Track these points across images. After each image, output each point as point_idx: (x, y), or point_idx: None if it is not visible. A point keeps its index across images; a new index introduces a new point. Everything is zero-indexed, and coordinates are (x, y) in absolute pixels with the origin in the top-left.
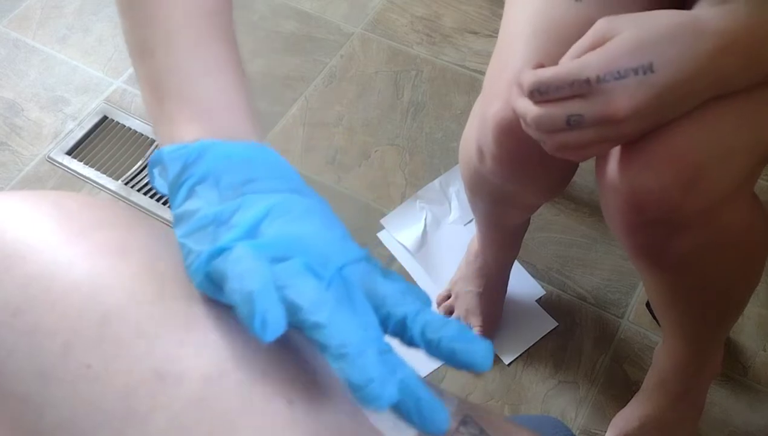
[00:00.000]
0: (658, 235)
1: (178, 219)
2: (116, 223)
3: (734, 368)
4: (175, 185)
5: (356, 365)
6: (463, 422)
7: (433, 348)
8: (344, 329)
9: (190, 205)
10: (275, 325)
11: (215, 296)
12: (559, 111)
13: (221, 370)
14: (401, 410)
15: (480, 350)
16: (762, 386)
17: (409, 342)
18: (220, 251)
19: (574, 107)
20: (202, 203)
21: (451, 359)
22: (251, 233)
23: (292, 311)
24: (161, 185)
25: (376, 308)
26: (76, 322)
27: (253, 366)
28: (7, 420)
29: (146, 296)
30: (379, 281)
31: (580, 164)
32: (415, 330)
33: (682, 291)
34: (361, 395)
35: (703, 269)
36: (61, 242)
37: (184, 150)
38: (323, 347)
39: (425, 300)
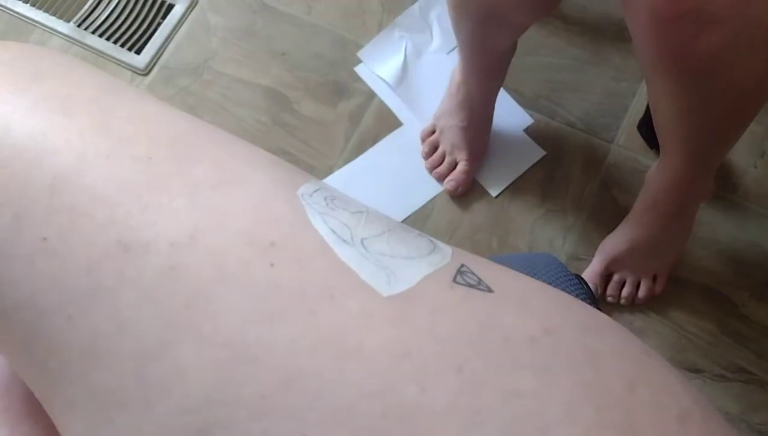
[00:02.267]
0: (688, 30)
1: None
2: (59, 73)
3: (724, 186)
4: None
5: None
6: (461, 271)
7: None
8: None
9: None
10: None
11: None
12: None
13: (191, 234)
14: None
15: None
16: (751, 204)
17: None
18: None
19: None
20: None
21: None
22: None
23: None
24: None
25: None
26: (24, 191)
27: (227, 227)
28: None
29: (99, 156)
30: None
31: None
32: None
33: (700, 99)
34: None
35: (727, 70)
36: None
37: None
38: None
39: None
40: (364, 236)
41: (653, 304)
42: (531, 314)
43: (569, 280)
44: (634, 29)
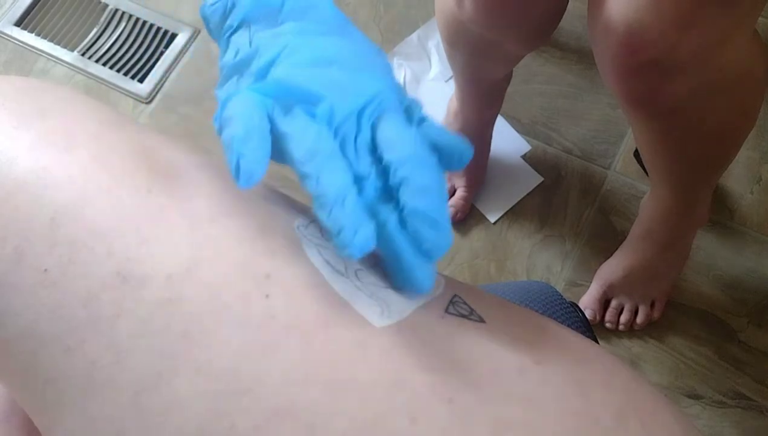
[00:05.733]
0: (651, 79)
1: (220, 73)
2: (62, 108)
3: (721, 211)
4: (220, 39)
5: (332, 214)
6: (453, 302)
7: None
8: (330, 179)
9: (226, 57)
10: (249, 171)
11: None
12: None
13: (187, 267)
14: (385, 265)
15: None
16: (748, 229)
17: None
18: (227, 102)
19: None
20: (232, 54)
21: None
22: (261, 77)
23: (290, 161)
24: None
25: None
26: (26, 224)
27: (223, 261)
28: None
29: (100, 190)
30: (393, 126)
31: (568, 9)
32: (394, 183)
33: (675, 139)
34: (335, 242)
35: (697, 115)
36: (0, 135)
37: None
38: (313, 198)
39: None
40: (358, 268)
41: (651, 330)
42: (521, 345)
43: (564, 308)
44: (602, 75)
